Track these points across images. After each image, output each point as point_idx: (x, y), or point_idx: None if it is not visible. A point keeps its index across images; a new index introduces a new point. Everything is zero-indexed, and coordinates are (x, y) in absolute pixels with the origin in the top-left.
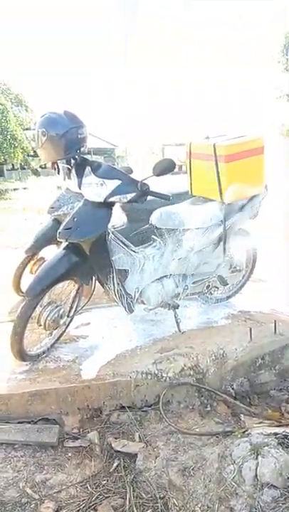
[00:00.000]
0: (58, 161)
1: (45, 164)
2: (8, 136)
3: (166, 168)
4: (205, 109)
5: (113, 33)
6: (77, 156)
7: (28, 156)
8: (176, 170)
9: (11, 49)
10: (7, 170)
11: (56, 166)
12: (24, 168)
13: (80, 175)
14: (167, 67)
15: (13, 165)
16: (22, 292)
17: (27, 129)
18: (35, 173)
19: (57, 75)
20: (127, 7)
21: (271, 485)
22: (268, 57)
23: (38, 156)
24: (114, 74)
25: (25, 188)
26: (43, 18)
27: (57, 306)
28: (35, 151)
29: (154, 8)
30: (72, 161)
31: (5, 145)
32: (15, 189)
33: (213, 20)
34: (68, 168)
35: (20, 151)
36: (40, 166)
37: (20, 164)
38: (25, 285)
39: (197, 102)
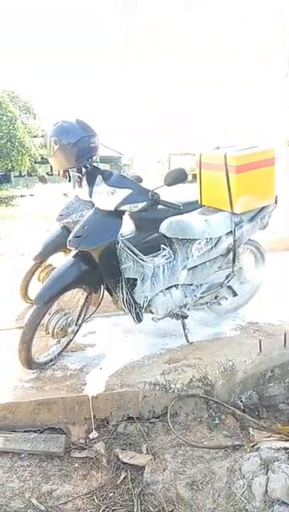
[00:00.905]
0: (70, 170)
1: (52, 171)
2: (16, 144)
3: (177, 178)
4: (206, 110)
5: (113, 33)
6: (88, 165)
7: (35, 163)
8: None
9: (12, 49)
10: (14, 177)
11: (67, 175)
12: (31, 175)
13: (91, 183)
14: (167, 67)
15: (20, 172)
16: (29, 299)
17: (35, 137)
18: (42, 180)
19: (57, 75)
20: (127, 7)
21: (282, 501)
22: (269, 58)
23: (45, 163)
24: (114, 74)
25: (32, 195)
26: (43, 18)
27: (65, 314)
28: (42, 158)
29: (154, 8)
30: (84, 170)
31: (13, 152)
32: (22, 196)
33: (213, 20)
34: (79, 177)
35: (28, 158)
36: (47, 173)
37: (28, 171)
38: (32, 292)
39: (197, 103)
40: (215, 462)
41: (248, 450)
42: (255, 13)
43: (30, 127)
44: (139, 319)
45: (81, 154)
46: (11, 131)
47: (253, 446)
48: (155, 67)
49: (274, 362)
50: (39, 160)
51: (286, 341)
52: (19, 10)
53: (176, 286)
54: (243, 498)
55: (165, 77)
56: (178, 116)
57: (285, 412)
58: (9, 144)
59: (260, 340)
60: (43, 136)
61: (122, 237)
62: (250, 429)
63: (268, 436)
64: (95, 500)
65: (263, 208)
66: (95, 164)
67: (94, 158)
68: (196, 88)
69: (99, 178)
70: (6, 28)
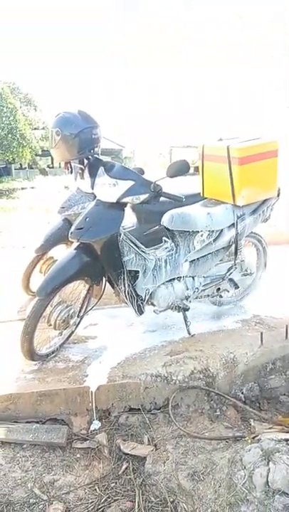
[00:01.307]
0: (71, 161)
1: (52, 164)
2: (17, 136)
3: (180, 169)
4: (206, 110)
5: (113, 33)
6: (90, 156)
7: (36, 155)
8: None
9: (12, 49)
10: (15, 169)
11: (69, 166)
12: (32, 168)
13: (93, 175)
14: (167, 67)
15: (21, 164)
16: (31, 292)
17: (36, 129)
18: (43, 172)
19: (57, 75)
20: (126, 7)
21: (283, 492)
22: (269, 58)
23: (46, 156)
24: (114, 74)
25: (32, 188)
26: (43, 18)
27: (67, 306)
28: (43, 151)
29: (154, 8)
30: (86, 161)
31: (14, 144)
32: (23, 188)
33: (213, 20)
34: (81, 168)
35: (29, 150)
36: (48, 166)
37: (28, 164)
38: (34, 284)
39: (197, 103)
40: (216, 453)
41: (249, 441)
42: (255, 13)
43: (31, 119)
44: (140, 311)
45: (83, 145)
46: (12, 123)
47: (254, 438)
48: (155, 67)
49: (275, 354)
50: (40, 152)
51: (287, 334)
52: (19, 10)
53: (178, 278)
54: (244, 489)
55: (165, 77)
56: (178, 116)
57: (285, 404)
58: (10, 136)
59: (261, 333)
60: (44, 129)
61: (124, 229)
62: (251, 420)
63: (269, 428)
64: (97, 490)
65: (265, 201)
66: (96, 156)
67: (96, 149)
68: (196, 88)
69: (101, 169)
70: (6, 28)
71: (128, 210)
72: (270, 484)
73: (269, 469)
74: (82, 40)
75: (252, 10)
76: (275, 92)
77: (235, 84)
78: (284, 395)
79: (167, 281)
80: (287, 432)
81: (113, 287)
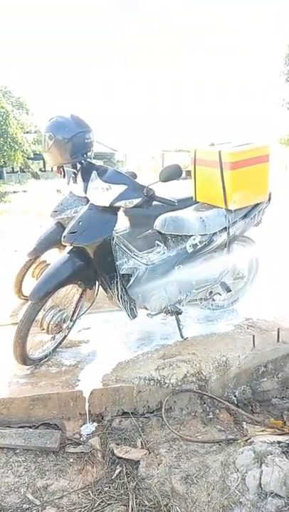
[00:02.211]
0: (64, 165)
1: (45, 167)
2: (9, 139)
3: (172, 174)
4: (204, 109)
5: (113, 33)
6: (83, 161)
7: (28, 158)
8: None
9: (12, 49)
10: (7, 173)
11: (62, 170)
12: (24, 171)
13: (86, 179)
14: (167, 67)
15: (13, 168)
16: (24, 296)
17: (28, 132)
18: (35, 176)
19: (57, 75)
20: (127, 7)
21: (275, 494)
22: (268, 58)
23: (38, 160)
24: (114, 74)
25: (24, 191)
26: (43, 18)
27: (60, 310)
28: (35, 154)
29: (154, 8)
30: (79, 166)
31: (5, 148)
32: (15, 192)
33: (213, 21)
34: (74, 173)
35: (21, 154)
36: (40, 169)
37: (20, 167)
38: (27, 289)
39: (196, 102)
40: (209, 456)
41: (242, 444)
42: (255, 13)
43: (23, 123)
44: (133, 315)
45: (76, 150)
46: (3, 127)
47: (246, 441)
48: (155, 67)
49: (267, 357)
50: (32, 156)
51: (279, 337)
52: (19, 10)
53: (170, 282)
54: (237, 491)
55: (164, 78)
56: (175, 117)
57: (278, 407)
58: (1, 139)
59: (253, 336)
60: (36, 132)
61: (117, 233)
62: (244, 423)
63: (262, 431)
64: (90, 494)
65: (256, 205)
66: (89, 160)
67: (89, 153)
68: (195, 87)
69: (94, 173)
70: (6, 28)
71: (121, 214)
72: (262, 486)
73: (262, 471)
74: (82, 40)
75: (252, 10)
76: (275, 92)
77: (234, 84)
78: (276, 397)
79: (160, 285)
80: (279, 435)
81: (106, 291)
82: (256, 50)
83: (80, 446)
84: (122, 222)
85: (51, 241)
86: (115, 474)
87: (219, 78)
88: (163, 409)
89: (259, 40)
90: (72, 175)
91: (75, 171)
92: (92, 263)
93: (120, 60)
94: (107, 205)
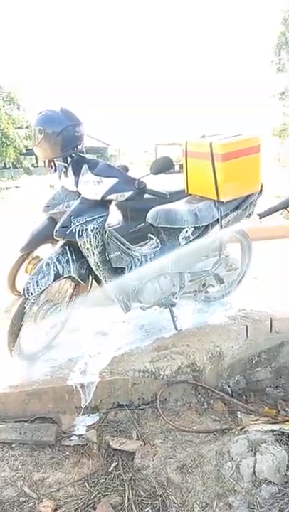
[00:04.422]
0: (55, 159)
1: (37, 163)
2: (0, 135)
3: (163, 166)
4: (198, 107)
5: (112, 29)
6: (74, 154)
7: (20, 154)
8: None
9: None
10: None
11: (53, 164)
12: (16, 167)
13: (77, 173)
14: (164, 64)
15: (5, 164)
16: (17, 291)
17: (19, 128)
18: (28, 171)
19: (55, 73)
20: (126, 5)
21: (269, 481)
22: (262, 56)
23: (30, 155)
24: (111, 70)
25: (17, 187)
26: (42, 17)
27: (54, 305)
28: (27, 150)
29: (153, 7)
30: (69, 159)
31: None
32: (7, 188)
33: (210, 16)
34: (65, 166)
35: (13, 149)
36: (33, 165)
37: (13, 163)
38: (20, 284)
39: (191, 95)
40: (204, 446)
41: (236, 433)
42: (251, 11)
43: (14, 118)
44: (127, 308)
45: (66, 143)
46: None
47: (241, 430)
48: (152, 62)
49: (260, 347)
50: (24, 151)
51: (272, 327)
52: (18, 10)
53: (163, 274)
54: (231, 480)
55: (160, 70)
56: (170, 114)
57: (271, 396)
58: None
59: (246, 326)
60: (27, 128)
61: (110, 227)
62: (238, 413)
63: (256, 420)
64: (87, 486)
65: (248, 196)
66: (80, 153)
67: (79, 147)
68: (191, 79)
69: (85, 167)
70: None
71: (113, 207)
72: (257, 474)
73: (256, 460)
74: (81, 37)
75: (248, 7)
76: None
77: (229, 77)
78: (270, 387)
79: (153, 278)
80: (273, 423)
81: (99, 285)
82: (251, 41)
83: (76, 439)
84: (115, 216)
85: (44, 236)
86: (111, 466)
87: (214, 71)
88: (158, 401)
89: (249, 29)
90: (63, 169)
91: (65, 164)
92: (84, 257)
93: (120, 59)
94: (99, 199)
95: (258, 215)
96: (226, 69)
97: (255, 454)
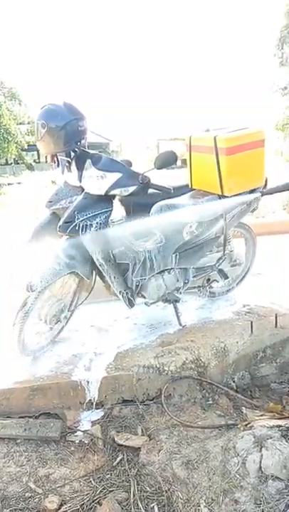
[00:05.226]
0: (58, 154)
1: (39, 159)
2: (2, 131)
3: (167, 160)
4: (198, 107)
5: (113, 29)
6: (77, 149)
7: (22, 150)
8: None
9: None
10: (0, 165)
11: (56, 159)
12: (18, 163)
13: (80, 168)
14: (166, 63)
15: (6, 160)
16: None
17: (21, 124)
18: (30, 167)
19: (55, 73)
20: (125, 6)
21: (275, 477)
22: (264, 50)
23: (32, 151)
24: (111, 70)
25: (19, 183)
26: (42, 16)
27: (58, 301)
28: (29, 146)
29: (153, 7)
30: (72, 154)
31: None
32: (9, 184)
33: (211, 14)
34: (68, 161)
35: (14, 145)
36: (35, 161)
37: (14, 159)
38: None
39: (194, 88)
40: (209, 441)
41: (242, 429)
42: (253, 7)
43: (16, 114)
44: (131, 304)
45: (69, 138)
46: None
47: (246, 425)
48: (155, 63)
49: (265, 342)
50: (26, 147)
51: (277, 322)
52: (18, 10)
53: (168, 270)
54: (237, 475)
55: (163, 73)
56: (169, 107)
57: (276, 391)
58: None
59: (251, 322)
60: (29, 123)
61: (113, 222)
62: (243, 408)
63: (261, 415)
64: (92, 482)
65: (253, 190)
66: (83, 148)
67: (82, 141)
68: (192, 82)
69: (88, 162)
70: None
71: (117, 202)
72: (263, 470)
73: (262, 455)
74: (82, 36)
75: (249, 3)
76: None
77: (231, 71)
78: (275, 382)
79: (157, 273)
80: (278, 419)
81: (103, 280)
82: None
83: (81, 434)
84: (118, 211)
85: (47, 232)
86: (116, 461)
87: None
88: (162, 397)
89: (251, 22)
90: (66, 164)
91: (68, 159)
92: (88, 253)
93: (120, 59)
94: (102, 194)
95: (260, 191)
96: (226, 69)
97: (261, 449)
